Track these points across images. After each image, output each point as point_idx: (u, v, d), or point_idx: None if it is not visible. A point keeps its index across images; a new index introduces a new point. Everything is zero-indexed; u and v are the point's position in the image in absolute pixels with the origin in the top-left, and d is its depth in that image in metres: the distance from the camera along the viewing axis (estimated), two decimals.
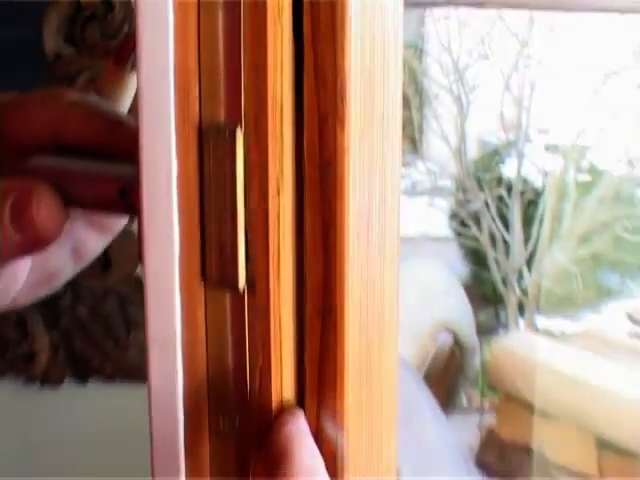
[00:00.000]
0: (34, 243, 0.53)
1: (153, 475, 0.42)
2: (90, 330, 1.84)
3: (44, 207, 0.48)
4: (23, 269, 0.60)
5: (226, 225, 0.37)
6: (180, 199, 0.37)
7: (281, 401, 0.40)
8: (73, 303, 1.82)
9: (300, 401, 0.41)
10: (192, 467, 0.43)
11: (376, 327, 0.39)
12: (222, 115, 0.38)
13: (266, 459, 0.42)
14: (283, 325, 0.39)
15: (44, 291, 0.65)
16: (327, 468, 0.41)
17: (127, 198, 0.41)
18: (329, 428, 0.37)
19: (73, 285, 1.81)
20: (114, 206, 0.44)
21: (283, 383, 0.40)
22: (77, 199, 0.48)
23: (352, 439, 0.39)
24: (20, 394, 1.88)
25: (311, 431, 0.41)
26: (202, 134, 0.38)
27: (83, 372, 1.86)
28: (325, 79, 0.37)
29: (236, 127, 0.37)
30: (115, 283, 1.75)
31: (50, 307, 1.82)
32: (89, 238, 0.62)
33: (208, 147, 0.38)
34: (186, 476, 0.43)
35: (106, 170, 0.45)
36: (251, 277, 0.38)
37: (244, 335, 0.40)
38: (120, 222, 0.62)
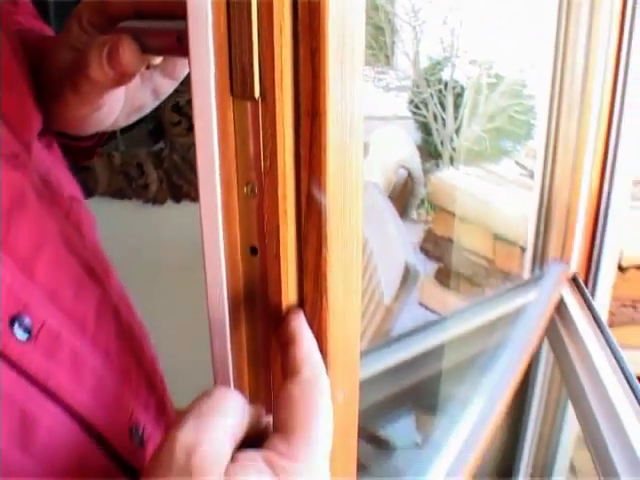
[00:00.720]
0: (122, 76, 0.58)
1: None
2: (181, 169, 1.87)
3: (128, 51, 0.52)
4: (119, 100, 0.64)
5: (245, 54, 0.39)
6: (214, 37, 0.38)
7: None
8: (170, 152, 1.85)
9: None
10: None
11: (348, 128, 0.38)
12: None
13: (280, 343, 0.46)
14: (285, 124, 0.41)
15: (134, 118, 0.70)
16: (314, 223, 0.42)
17: (182, 42, 0.42)
18: (316, 192, 0.36)
19: (171, 142, 1.83)
20: (174, 49, 0.46)
21: (286, 152, 0.40)
22: (152, 47, 0.50)
23: (331, 204, 0.41)
24: (140, 210, 1.93)
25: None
26: None
27: (178, 195, 1.89)
28: None
29: None
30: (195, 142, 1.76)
31: (157, 155, 1.84)
32: (162, 83, 0.67)
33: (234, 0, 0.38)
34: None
35: (168, 26, 0.45)
36: (263, 90, 0.40)
37: (259, 136, 0.41)
38: (183, 71, 0.65)
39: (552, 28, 1.54)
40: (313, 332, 0.44)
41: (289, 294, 0.43)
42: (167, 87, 0.67)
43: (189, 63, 0.40)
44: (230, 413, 0.43)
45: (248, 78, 0.39)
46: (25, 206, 0.51)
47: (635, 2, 1.45)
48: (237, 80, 0.40)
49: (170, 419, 0.67)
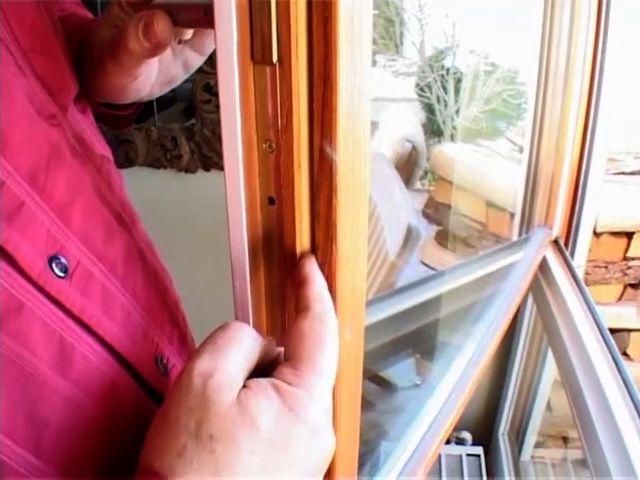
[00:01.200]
0: (156, 46, 0.57)
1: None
2: (211, 142, 1.87)
3: (161, 24, 0.51)
4: (154, 71, 0.63)
5: (265, 24, 0.37)
6: (237, 9, 0.39)
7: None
8: (201, 127, 1.84)
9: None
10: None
11: (357, 91, 0.37)
12: None
13: (294, 283, 0.45)
14: (300, 87, 0.40)
15: (167, 88, 0.69)
16: (325, 175, 0.41)
17: (209, 15, 0.41)
18: (327, 148, 0.35)
19: (202, 117, 1.82)
20: (202, 22, 0.44)
21: (301, 112, 0.40)
22: (182, 21, 0.49)
23: (341, 158, 0.41)
24: (174, 178, 1.94)
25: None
26: None
27: (208, 165, 1.88)
28: None
29: None
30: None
31: (189, 130, 1.83)
32: (192, 57, 0.66)
33: None
34: None
35: (197, 0, 0.44)
36: (280, 56, 0.39)
37: (276, 98, 0.40)
38: (210, 47, 0.65)
39: (539, 23, 1.54)
40: (324, 275, 0.44)
41: (302, 240, 0.42)
42: (196, 61, 0.67)
43: (214, 33, 0.39)
44: (243, 344, 0.43)
45: (267, 45, 0.38)
46: (62, 159, 0.51)
47: (609, 3, 1.44)
48: (257, 47, 0.39)
49: (191, 352, 0.67)
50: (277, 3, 0.37)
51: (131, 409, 0.54)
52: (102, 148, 0.66)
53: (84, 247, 0.50)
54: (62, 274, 0.46)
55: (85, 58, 0.65)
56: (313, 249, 0.43)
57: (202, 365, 0.41)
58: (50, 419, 0.46)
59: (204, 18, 0.48)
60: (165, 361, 0.60)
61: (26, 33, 0.52)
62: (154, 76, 0.64)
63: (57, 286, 0.46)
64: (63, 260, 0.47)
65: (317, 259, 0.43)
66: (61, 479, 0.46)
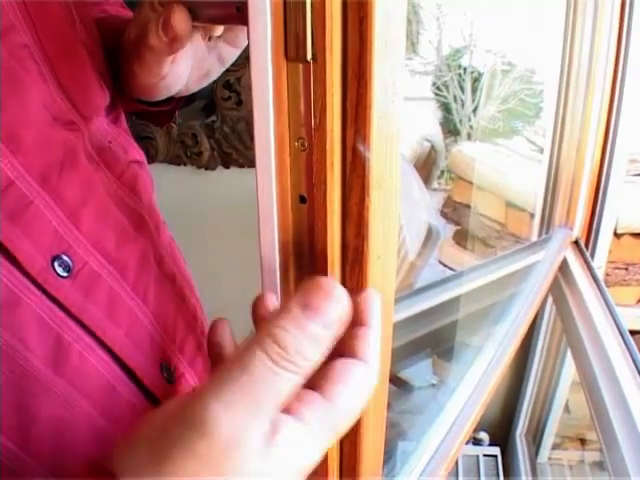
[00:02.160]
0: (174, 41, 0.56)
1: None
2: (231, 139, 1.86)
3: (178, 18, 0.50)
4: (182, 69, 0.63)
5: (299, 21, 0.38)
6: (271, 6, 0.38)
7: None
8: (221, 124, 1.84)
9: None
10: None
11: (391, 90, 0.36)
12: None
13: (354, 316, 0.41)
14: (334, 85, 0.39)
15: (204, 82, 0.69)
16: (358, 174, 0.40)
17: (242, 12, 0.41)
18: (360, 147, 0.35)
19: (222, 115, 1.82)
20: (234, 18, 0.45)
21: (334, 111, 0.39)
22: (214, 17, 0.50)
23: (374, 157, 0.40)
24: (194, 175, 1.95)
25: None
26: None
27: (227, 162, 1.88)
28: None
29: None
30: (244, 113, 1.76)
31: (209, 127, 1.84)
32: (226, 50, 0.66)
33: None
34: None
35: None
36: (315, 53, 0.39)
37: (309, 96, 0.39)
38: (244, 40, 0.63)
39: (561, 22, 1.53)
40: (354, 275, 0.43)
41: (334, 239, 0.42)
42: (231, 54, 0.66)
43: (248, 30, 0.39)
44: (281, 391, 0.37)
45: (301, 43, 0.38)
46: (76, 163, 0.52)
47: (633, 2, 1.43)
48: (291, 44, 0.38)
49: (207, 359, 0.67)
50: (312, 1, 0.37)
51: (128, 413, 0.54)
52: (134, 153, 0.67)
53: (93, 249, 0.51)
54: (65, 273, 0.47)
55: (119, 59, 0.65)
56: (344, 248, 0.43)
57: (224, 415, 0.35)
58: (40, 414, 0.46)
59: (236, 15, 0.48)
60: (172, 369, 0.60)
61: (52, 41, 0.52)
62: (184, 74, 0.64)
63: (57, 285, 0.47)
64: (67, 260, 0.48)
65: (348, 258, 0.43)
66: (45, 475, 0.47)
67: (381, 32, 0.38)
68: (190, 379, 0.63)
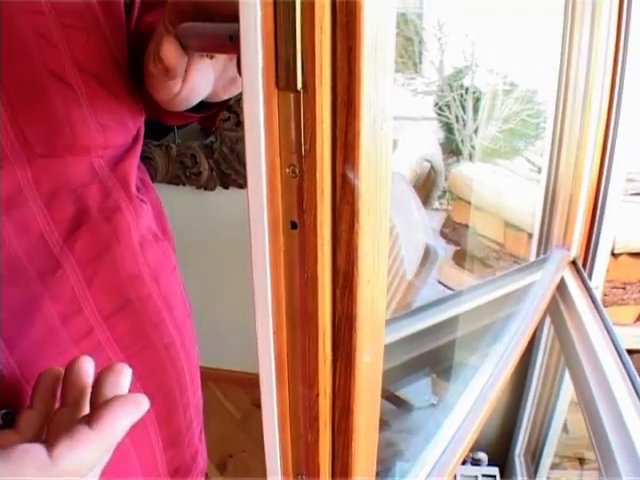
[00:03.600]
0: (166, 70, 0.58)
1: None
2: (230, 159, 1.88)
3: (165, 49, 0.50)
4: (203, 80, 0.63)
5: (289, 51, 0.39)
6: (262, 36, 0.39)
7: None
8: (220, 145, 1.85)
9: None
10: None
11: (380, 118, 0.37)
12: None
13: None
14: (324, 113, 0.40)
15: (234, 90, 0.69)
16: (347, 200, 0.41)
17: (234, 41, 0.42)
18: (350, 174, 0.36)
19: (221, 135, 1.83)
20: (227, 47, 0.46)
21: (324, 138, 0.40)
22: (207, 46, 0.49)
23: (363, 184, 0.41)
24: (193, 195, 1.95)
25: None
26: None
27: (226, 183, 1.89)
28: None
29: None
30: (242, 134, 1.77)
31: (208, 147, 1.85)
32: None
33: (280, 3, 0.38)
34: None
35: (222, 27, 0.45)
36: (305, 82, 0.39)
37: (300, 124, 0.40)
38: None
39: (558, 45, 1.54)
40: (344, 299, 0.44)
41: (324, 263, 0.43)
42: None
43: (239, 59, 0.40)
44: None
45: (292, 72, 0.39)
46: (19, 202, 0.56)
47: (628, 25, 1.45)
48: (282, 74, 0.39)
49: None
50: (302, 31, 0.38)
51: None
52: (118, 201, 0.67)
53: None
54: None
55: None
56: (334, 272, 0.43)
57: None
58: None
59: (229, 44, 0.49)
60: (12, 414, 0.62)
61: (16, 86, 0.55)
62: (200, 87, 0.64)
63: None
64: None
65: (338, 282, 0.43)
66: None
67: (369, 61, 0.39)
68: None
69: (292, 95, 0.40)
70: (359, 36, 0.37)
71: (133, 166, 0.71)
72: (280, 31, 0.39)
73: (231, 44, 0.48)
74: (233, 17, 0.44)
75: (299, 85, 0.39)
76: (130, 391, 0.55)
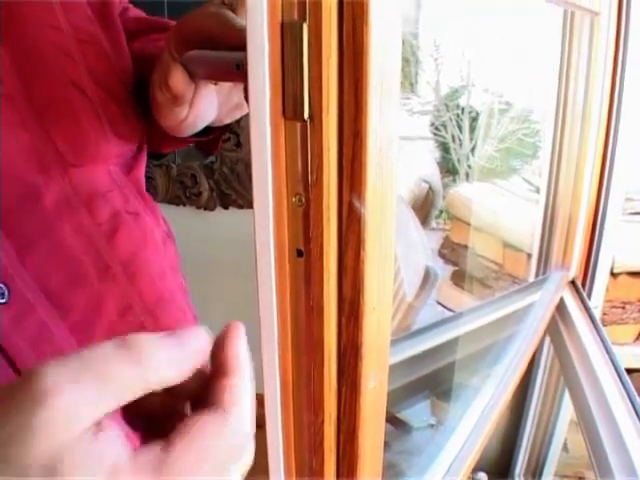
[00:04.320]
0: (174, 98, 0.59)
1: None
2: (230, 180, 1.88)
3: (174, 78, 0.51)
4: (208, 106, 0.64)
5: (297, 82, 0.40)
6: (270, 67, 0.40)
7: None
8: (221, 165, 1.86)
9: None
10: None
11: (385, 148, 0.37)
12: (295, 15, 0.38)
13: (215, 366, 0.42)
14: (330, 143, 0.41)
15: (237, 114, 0.70)
16: (354, 230, 0.41)
17: (241, 69, 0.42)
18: (356, 203, 0.36)
19: (221, 156, 1.84)
20: (234, 76, 0.46)
21: (330, 168, 0.40)
22: (214, 74, 0.50)
23: (369, 213, 0.41)
24: (193, 215, 1.95)
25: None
26: (284, 27, 0.39)
27: (226, 203, 1.90)
28: (356, 3, 0.38)
29: (303, 23, 0.38)
30: (242, 155, 1.78)
31: (209, 167, 1.85)
32: None
33: (287, 35, 0.39)
34: None
35: (229, 55, 0.45)
36: (312, 113, 0.40)
37: (307, 153, 0.41)
38: None
39: (556, 62, 1.55)
40: (350, 327, 0.44)
41: (330, 292, 0.43)
42: None
43: (247, 89, 0.40)
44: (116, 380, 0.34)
45: (299, 102, 0.39)
46: (37, 207, 0.56)
47: (627, 41, 1.46)
48: (289, 104, 0.40)
49: None
50: (309, 62, 0.39)
51: None
52: (137, 207, 0.69)
53: (35, 284, 0.55)
54: (2, 300, 0.52)
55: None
56: (340, 300, 0.44)
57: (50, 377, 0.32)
58: None
59: (236, 72, 0.49)
60: None
61: (42, 95, 0.56)
62: (206, 113, 0.65)
63: None
64: (3, 287, 0.52)
65: (343, 311, 0.44)
66: None
67: (376, 93, 0.39)
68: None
69: (299, 125, 0.40)
70: (366, 68, 0.38)
71: (142, 173, 0.74)
72: (287, 62, 0.39)
73: (237, 72, 0.49)
74: (238, 46, 0.44)
75: (306, 115, 0.40)
76: None
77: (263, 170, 0.42)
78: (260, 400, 0.48)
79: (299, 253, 0.43)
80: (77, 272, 0.59)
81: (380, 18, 0.38)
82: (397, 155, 0.43)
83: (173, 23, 0.81)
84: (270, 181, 0.42)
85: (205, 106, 0.64)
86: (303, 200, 0.42)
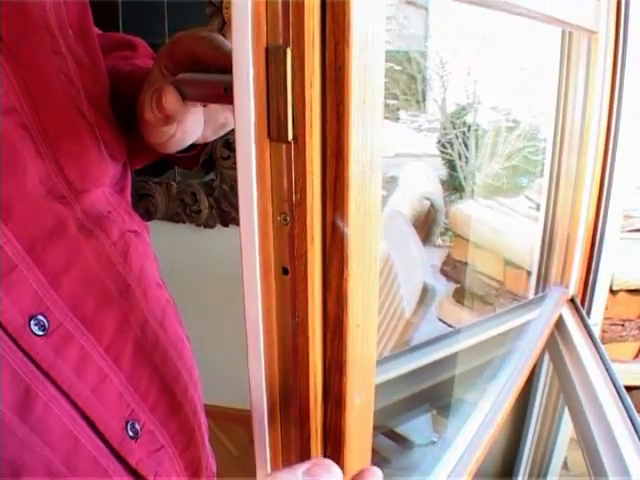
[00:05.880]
0: (167, 118, 0.60)
1: None
2: (229, 197, 1.90)
3: (169, 98, 0.55)
4: (195, 124, 0.65)
5: (281, 104, 0.40)
6: (255, 90, 0.41)
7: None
8: (220, 183, 1.88)
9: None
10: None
11: (368, 168, 0.38)
12: (280, 40, 0.39)
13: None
14: (314, 164, 0.42)
15: (221, 132, 0.71)
16: (337, 248, 0.42)
17: (228, 92, 0.43)
18: (339, 222, 0.37)
19: (221, 173, 1.85)
20: (222, 98, 0.47)
21: (314, 188, 0.41)
22: (202, 96, 0.51)
23: (352, 232, 0.42)
24: (193, 232, 1.96)
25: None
26: (268, 52, 0.40)
27: (226, 220, 1.91)
28: (337, 28, 0.38)
29: (287, 47, 0.39)
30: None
31: (208, 185, 1.87)
32: None
33: (272, 59, 0.40)
34: None
35: (219, 78, 0.46)
36: (296, 134, 0.41)
37: (291, 173, 0.42)
38: None
39: (555, 83, 1.56)
40: (335, 344, 0.45)
41: (315, 309, 0.44)
42: None
43: (233, 111, 0.42)
44: None
45: (283, 124, 0.40)
46: (64, 233, 0.57)
47: (624, 66, 1.47)
48: (273, 126, 0.41)
49: (182, 423, 0.70)
50: (293, 86, 0.40)
51: (89, 463, 0.57)
52: (132, 225, 0.70)
53: (70, 311, 0.56)
54: (40, 332, 0.52)
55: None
56: (325, 317, 0.45)
57: None
58: (1, 455, 0.51)
59: (224, 95, 0.51)
60: (139, 426, 0.62)
61: (52, 122, 0.57)
62: (193, 131, 0.66)
63: (30, 342, 0.51)
64: (43, 320, 0.52)
65: (329, 326, 0.45)
66: None
67: (358, 114, 0.40)
68: (160, 437, 0.65)
69: (284, 146, 0.41)
70: (347, 90, 0.39)
71: (129, 192, 0.75)
72: (272, 85, 0.40)
73: (226, 96, 0.50)
74: (228, 69, 0.46)
75: (290, 136, 0.41)
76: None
77: (249, 190, 0.43)
78: (247, 416, 0.49)
79: (284, 271, 0.44)
80: (104, 293, 0.60)
81: (362, 40, 0.39)
82: (380, 175, 0.44)
83: (136, 39, 0.83)
84: (255, 200, 0.43)
85: (193, 124, 0.65)
86: (288, 219, 0.43)
